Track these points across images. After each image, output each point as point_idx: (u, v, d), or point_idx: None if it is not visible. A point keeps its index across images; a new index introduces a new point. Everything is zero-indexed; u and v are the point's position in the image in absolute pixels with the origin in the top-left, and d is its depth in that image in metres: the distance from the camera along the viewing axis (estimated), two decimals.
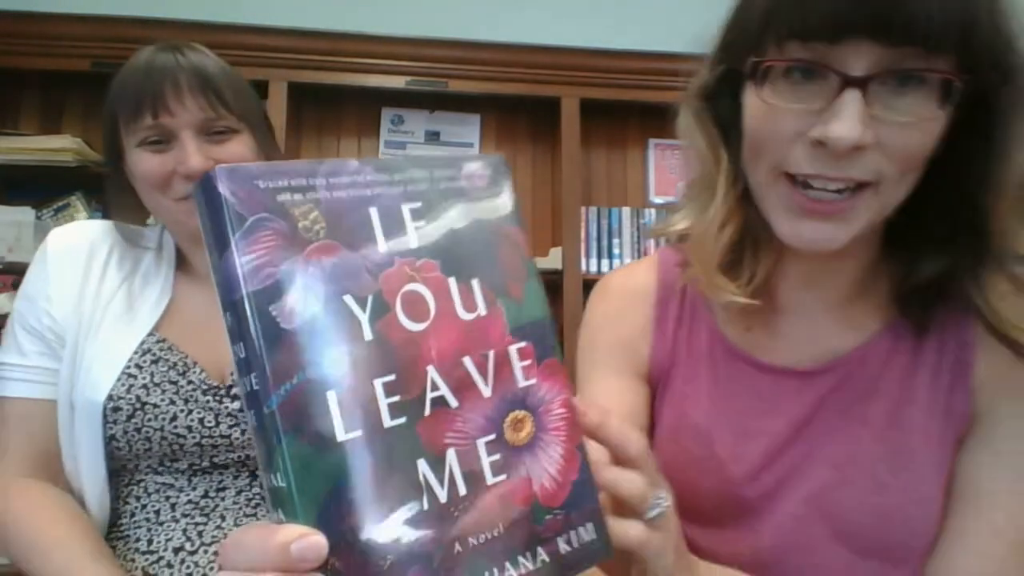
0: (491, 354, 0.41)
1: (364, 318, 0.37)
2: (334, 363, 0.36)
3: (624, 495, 0.46)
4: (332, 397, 0.36)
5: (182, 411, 0.89)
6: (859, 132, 0.50)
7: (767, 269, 0.65)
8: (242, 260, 0.35)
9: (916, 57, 0.50)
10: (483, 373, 0.40)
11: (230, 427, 0.90)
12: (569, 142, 2.49)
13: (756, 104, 0.56)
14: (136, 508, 0.91)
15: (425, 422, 0.38)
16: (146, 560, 0.88)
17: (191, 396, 0.90)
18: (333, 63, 2.46)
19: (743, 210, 0.63)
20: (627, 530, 0.46)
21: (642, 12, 2.52)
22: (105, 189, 1.01)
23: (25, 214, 2.28)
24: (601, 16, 2.51)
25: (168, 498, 0.90)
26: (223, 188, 0.36)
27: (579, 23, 2.50)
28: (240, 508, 0.91)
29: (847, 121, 0.50)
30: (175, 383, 0.90)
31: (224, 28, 2.38)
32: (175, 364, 0.91)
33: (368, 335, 0.37)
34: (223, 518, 0.90)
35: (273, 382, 0.35)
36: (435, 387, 0.39)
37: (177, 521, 0.89)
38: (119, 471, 0.92)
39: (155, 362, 0.90)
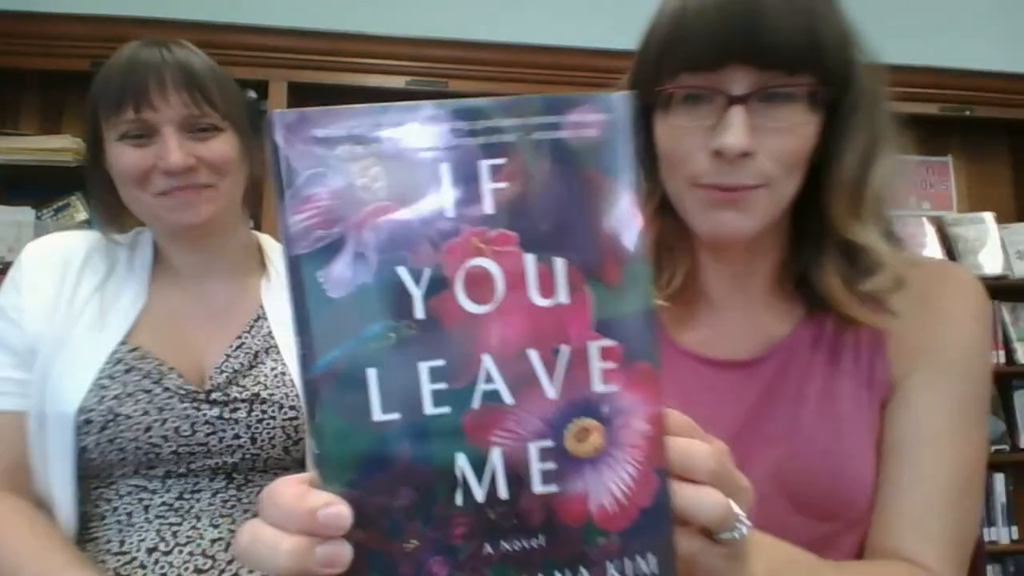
0: (564, 350, 0.35)
1: (417, 294, 0.34)
2: (378, 340, 0.34)
3: (703, 521, 0.39)
4: (372, 375, 0.34)
5: (156, 421, 0.87)
6: (745, 140, 0.60)
7: (685, 270, 0.74)
8: (293, 219, 0.33)
9: (783, 76, 0.61)
10: (550, 371, 0.35)
11: (207, 435, 0.89)
12: None
13: (664, 127, 0.66)
14: (107, 511, 0.89)
15: (472, 415, 0.35)
16: (118, 561, 0.86)
17: (166, 404, 0.88)
18: (333, 63, 2.46)
19: (659, 220, 0.71)
20: (689, 546, 0.40)
21: (642, 12, 2.52)
22: (87, 184, 0.99)
23: (25, 214, 2.28)
24: (601, 16, 2.51)
25: (141, 500, 0.88)
26: (278, 135, 0.33)
27: (579, 23, 2.50)
28: (216, 509, 0.89)
29: (734, 131, 0.60)
30: (149, 392, 0.88)
31: (224, 28, 2.38)
32: (149, 372, 0.88)
33: (419, 313, 0.34)
34: (198, 519, 0.88)
35: (316, 350, 0.33)
36: (489, 379, 0.34)
37: (150, 523, 0.87)
38: (90, 477, 0.89)
39: (128, 371, 0.88)
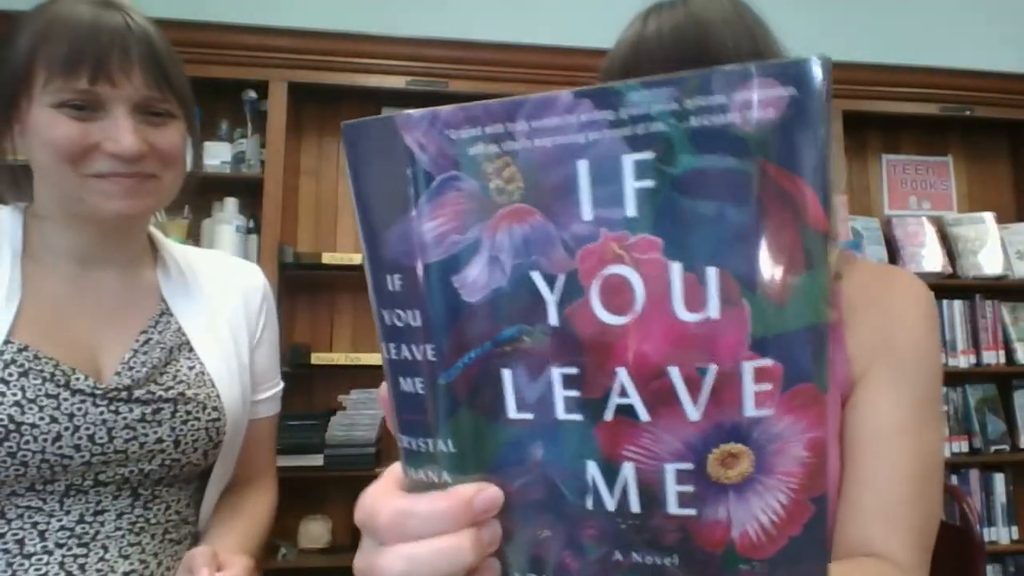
0: (712, 369, 0.30)
1: (552, 300, 0.32)
2: (512, 343, 0.33)
3: None
4: (507, 376, 0.33)
5: (67, 429, 0.76)
6: None
7: None
8: (426, 227, 0.32)
9: None
10: (693, 391, 0.31)
11: (127, 440, 0.79)
12: None
13: None
14: None
15: (604, 427, 0.32)
16: None
17: (78, 410, 0.77)
18: (333, 63, 2.46)
19: None
20: None
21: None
22: None
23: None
24: (601, 16, 2.51)
25: (36, 525, 0.76)
26: (411, 139, 0.31)
27: (579, 23, 2.50)
28: (123, 535, 0.79)
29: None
30: (55, 397, 0.76)
31: (224, 28, 2.38)
32: (51, 375, 0.77)
33: (554, 319, 0.32)
34: (105, 548, 0.78)
35: (450, 355, 0.33)
36: (623, 393, 0.32)
37: (50, 553, 0.76)
38: None
39: (24, 375, 0.75)
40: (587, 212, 0.30)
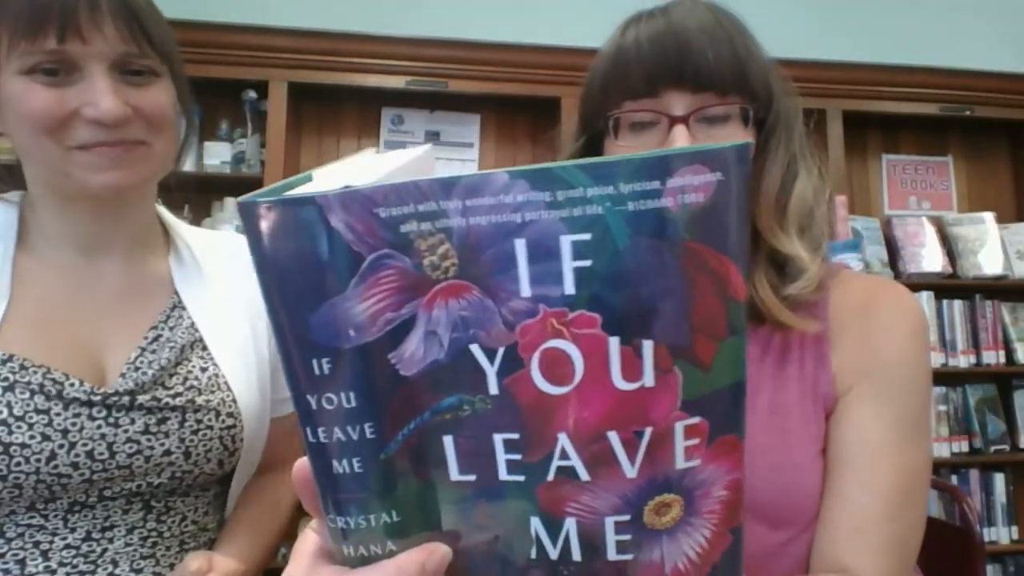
0: (647, 432, 0.33)
1: (491, 371, 0.32)
2: (453, 411, 0.33)
3: None
4: (448, 442, 0.34)
5: (62, 446, 0.69)
6: None
7: None
8: (358, 308, 0.31)
9: (714, 98, 0.68)
10: (631, 452, 0.33)
11: (130, 455, 0.72)
12: (569, 142, 2.48)
13: (614, 151, 0.73)
14: None
15: (546, 487, 0.34)
16: None
17: (73, 424, 0.71)
18: (333, 63, 2.46)
19: None
20: None
21: None
22: None
23: None
24: (601, 16, 2.51)
25: (38, 544, 0.70)
26: (337, 220, 0.30)
27: (579, 23, 2.50)
28: (135, 550, 0.74)
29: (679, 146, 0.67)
30: (45, 412, 0.70)
31: (224, 28, 2.38)
32: (41, 386, 0.70)
33: (493, 389, 0.33)
34: (115, 564, 0.72)
35: (391, 429, 0.33)
36: (564, 456, 0.33)
37: (54, 572, 0.70)
38: None
39: (9, 389, 0.69)
40: (526, 289, 0.31)
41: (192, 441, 0.76)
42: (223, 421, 0.78)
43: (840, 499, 0.68)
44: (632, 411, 0.32)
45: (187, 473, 0.76)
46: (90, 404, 0.72)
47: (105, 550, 0.72)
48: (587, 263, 0.31)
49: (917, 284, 2.64)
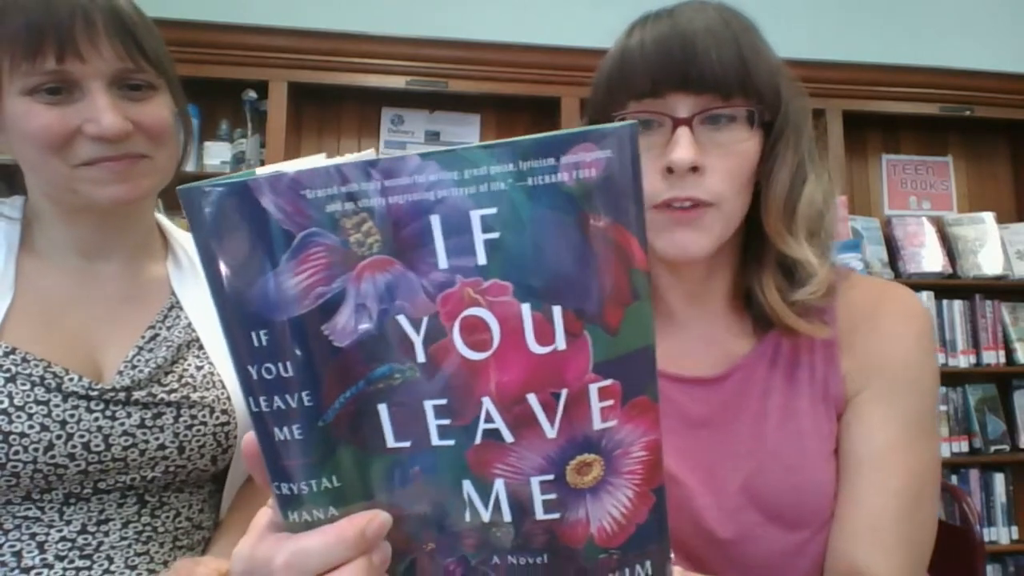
0: (563, 393, 0.35)
1: (418, 340, 0.35)
2: (385, 379, 0.36)
3: None
4: (383, 410, 0.36)
5: (59, 437, 0.72)
6: (692, 154, 0.66)
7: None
8: (291, 282, 0.34)
9: (719, 99, 0.67)
10: (549, 413, 0.36)
11: (125, 448, 0.74)
12: None
13: None
14: None
15: (475, 449, 0.36)
16: None
17: (71, 416, 0.73)
18: (333, 63, 2.46)
19: None
20: None
21: (641, 12, 2.52)
22: None
23: None
24: (601, 16, 2.51)
25: (34, 536, 0.72)
26: (267, 201, 0.33)
27: (579, 23, 2.50)
28: (130, 544, 0.75)
29: (682, 147, 0.66)
30: (45, 403, 0.72)
31: (224, 28, 2.38)
32: (41, 378, 0.72)
33: (421, 357, 0.35)
34: (110, 559, 0.74)
35: (328, 397, 0.35)
36: (489, 419, 0.36)
37: (50, 566, 0.71)
38: None
39: (11, 380, 0.71)
40: (443, 261, 0.34)
41: (186, 436, 0.78)
42: (217, 418, 0.80)
43: (854, 500, 0.68)
44: (547, 373, 0.35)
45: (181, 468, 0.78)
46: (88, 398, 0.74)
47: (101, 543, 0.74)
48: (496, 235, 0.33)
49: (917, 284, 2.64)
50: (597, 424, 0.36)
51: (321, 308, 0.34)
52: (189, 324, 0.84)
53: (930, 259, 2.71)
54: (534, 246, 0.33)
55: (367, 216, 0.34)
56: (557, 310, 0.34)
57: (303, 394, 0.35)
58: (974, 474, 2.69)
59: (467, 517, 0.38)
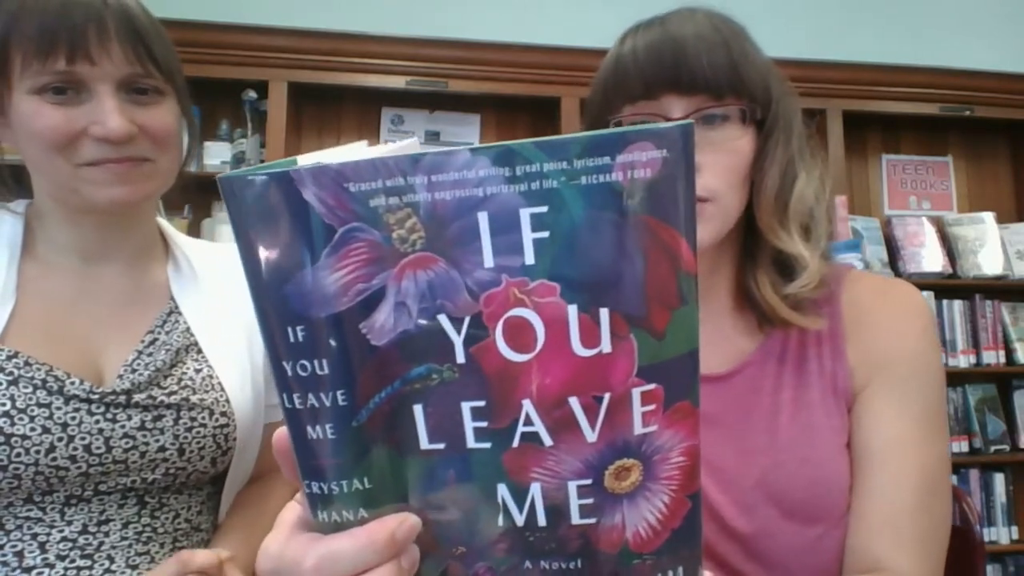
0: (606, 397, 0.35)
1: (458, 340, 0.34)
2: (422, 380, 0.35)
3: None
4: (418, 411, 0.35)
5: (60, 439, 0.72)
6: None
7: None
8: (330, 278, 0.33)
9: (711, 100, 0.69)
10: (591, 417, 0.35)
11: (126, 450, 0.75)
12: None
13: None
14: None
15: (512, 453, 0.36)
16: None
17: (72, 419, 0.74)
18: (333, 63, 2.46)
19: None
20: None
21: (642, 12, 2.52)
22: None
23: None
24: (602, 16, 2.51)
25: (35, 536, 0.73)
26: (309, 194, 0.32)
27: (578, 23, 2.50)
28: (130, 544, 0.76)
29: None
30: (47, 406, 0.73)
31: (224, 28, 2.38)
32: (43, 381, 0.73)
33: (460, 358, 0.34)
34: (111, 559, 0.75)
35: (362, 397, 0.34)
36: (528, 422, 0.35)
37: (52, 566, 0.72)
38: None
39: (13, 383, 0.72)
40: (488, 260, 0.33)
41: (186, 438, 0.79)
42: (216, 420, 0.81)
43: (870, 494, 0.69)
44: (591, 377, 0.34)
45: (180, 470, 0.79)
46: (89, 401, 0.75)
47: (101, 543, 0.75)
48: (545, 234, 0.32)
49: (917, 284, 2.59)
50: (638, 429, 0.35)
51: (360, 305, 0.33)
52: (187, 328, 0.85)
53: (930, 259, 2.71)
54: (584, 246, 0.33)
55: (411, 212, 0.32)
56: (604, 312, 0.33)
57: (338, 393, 0.34)
58: (974, 474, 2.69)
59: (500, 521, 0.37)
